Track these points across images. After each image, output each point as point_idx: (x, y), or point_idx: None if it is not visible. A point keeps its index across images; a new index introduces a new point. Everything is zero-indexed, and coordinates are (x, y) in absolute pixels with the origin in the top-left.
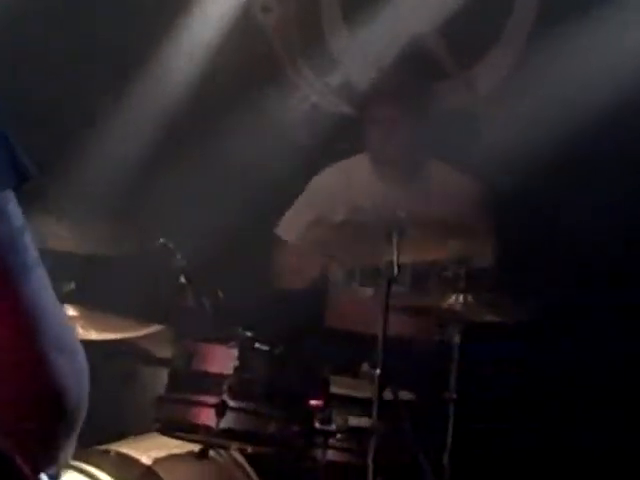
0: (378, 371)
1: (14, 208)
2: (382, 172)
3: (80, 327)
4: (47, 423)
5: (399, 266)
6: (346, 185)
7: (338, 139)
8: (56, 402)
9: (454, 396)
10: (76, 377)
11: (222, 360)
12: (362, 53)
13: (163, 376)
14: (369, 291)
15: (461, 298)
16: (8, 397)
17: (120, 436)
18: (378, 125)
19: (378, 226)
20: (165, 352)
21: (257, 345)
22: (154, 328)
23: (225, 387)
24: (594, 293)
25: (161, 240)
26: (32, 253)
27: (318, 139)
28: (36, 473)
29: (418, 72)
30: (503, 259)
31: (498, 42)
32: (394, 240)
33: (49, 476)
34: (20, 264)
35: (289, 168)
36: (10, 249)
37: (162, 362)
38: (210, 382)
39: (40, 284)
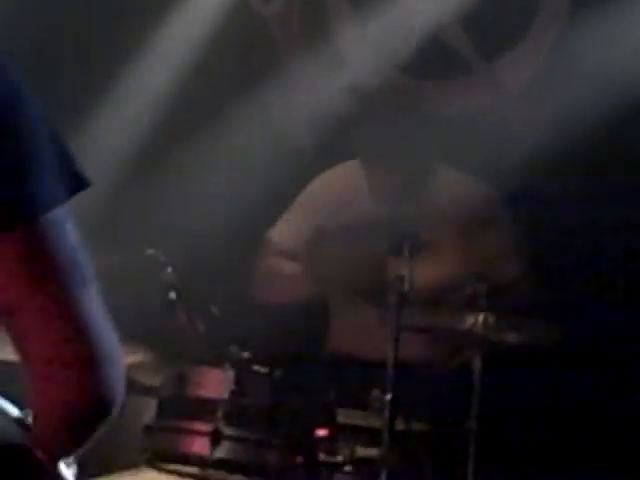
0: (389, 397)
1: (72, 221)
2: (379, 183)
3: None
4: (87, 427)
5: (411, 281)
6: (354, 187)
7: (341, 142)
8: (100, 410)
9: (475, 427)
10: (119, 387)
11: (217, 384)
12: (373, 49)
13: (151, 405)
14: (376, 310)
15: (481, 318)
16: (59, 399)
17: (104, 470)
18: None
19: (388, 234)
20: (152, 379)
21: (255, 367)
22: (140, 356)
23: (220, 414)
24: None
25: (149, 251)
26: (89, 269)
27: (319, 141)
28: (54, 462)
29: (437, 67)
30: (532, 274)
31: (527, 34)
32: (405, 250)
33: (66, 464)
34: (80, 279)
35: (287, 171)
36: (73, 264)
37: (149, 391)
38: (203, 408)
39: (95, 300)
